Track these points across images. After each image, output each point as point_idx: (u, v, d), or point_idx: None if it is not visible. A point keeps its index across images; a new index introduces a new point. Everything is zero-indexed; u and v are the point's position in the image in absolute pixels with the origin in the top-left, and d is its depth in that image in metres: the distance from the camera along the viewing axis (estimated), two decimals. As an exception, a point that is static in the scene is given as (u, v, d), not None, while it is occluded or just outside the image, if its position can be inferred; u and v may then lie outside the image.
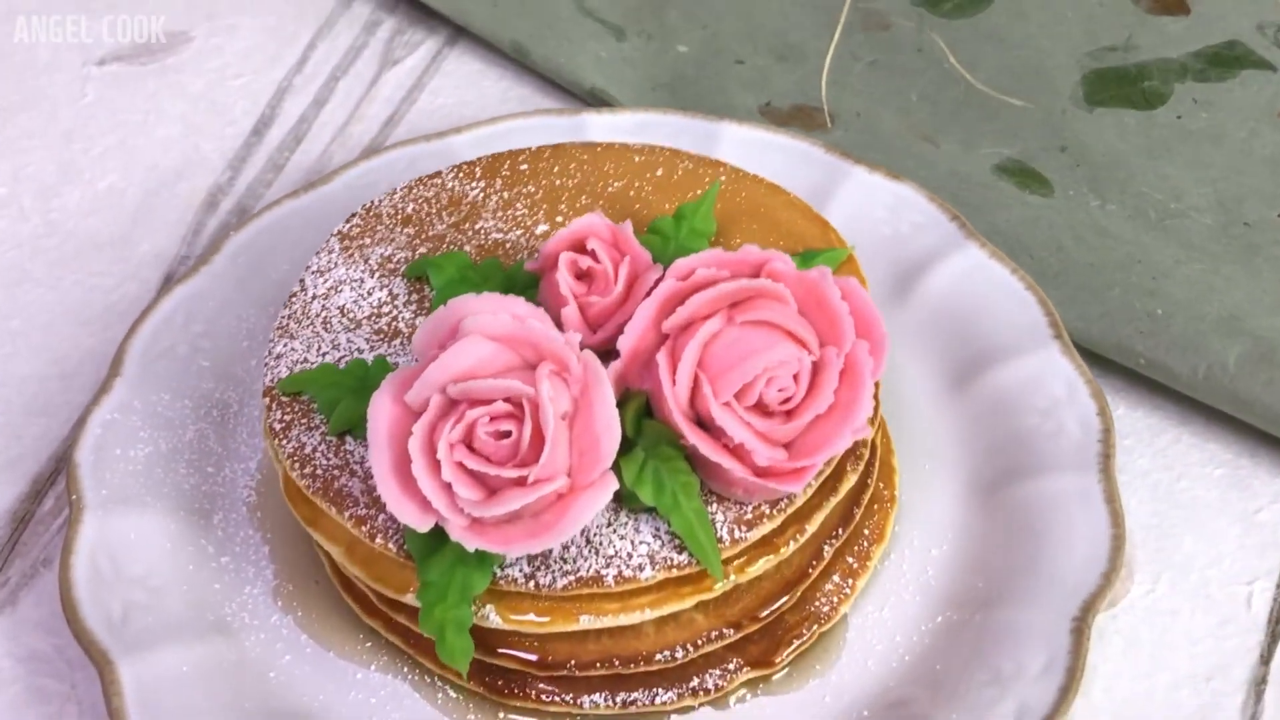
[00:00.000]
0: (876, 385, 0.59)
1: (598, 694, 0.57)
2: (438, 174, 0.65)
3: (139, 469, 0.63)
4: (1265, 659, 0.60)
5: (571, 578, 0.52)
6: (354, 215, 0.64)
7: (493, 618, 0.54)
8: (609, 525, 0.53)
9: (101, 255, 0.76)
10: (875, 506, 0.61)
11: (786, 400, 0.52)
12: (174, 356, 0.67)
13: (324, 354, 0.58)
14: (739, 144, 0.75)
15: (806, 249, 0.61)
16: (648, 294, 0.54)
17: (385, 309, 0.59)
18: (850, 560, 0.60)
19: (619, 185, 0.64)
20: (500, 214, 0.63)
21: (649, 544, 0.53)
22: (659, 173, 0.64)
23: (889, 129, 0.79)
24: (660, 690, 0.57)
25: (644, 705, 0.57)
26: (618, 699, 0.57)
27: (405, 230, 0.63)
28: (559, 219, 0.62)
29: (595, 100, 0.82)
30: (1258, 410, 0.65)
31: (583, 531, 0.53)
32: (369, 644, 0.60)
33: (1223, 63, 0.82)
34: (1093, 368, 0.67)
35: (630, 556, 0.53)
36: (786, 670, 0.59)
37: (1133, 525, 0.64)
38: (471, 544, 0.50)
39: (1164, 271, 0.70)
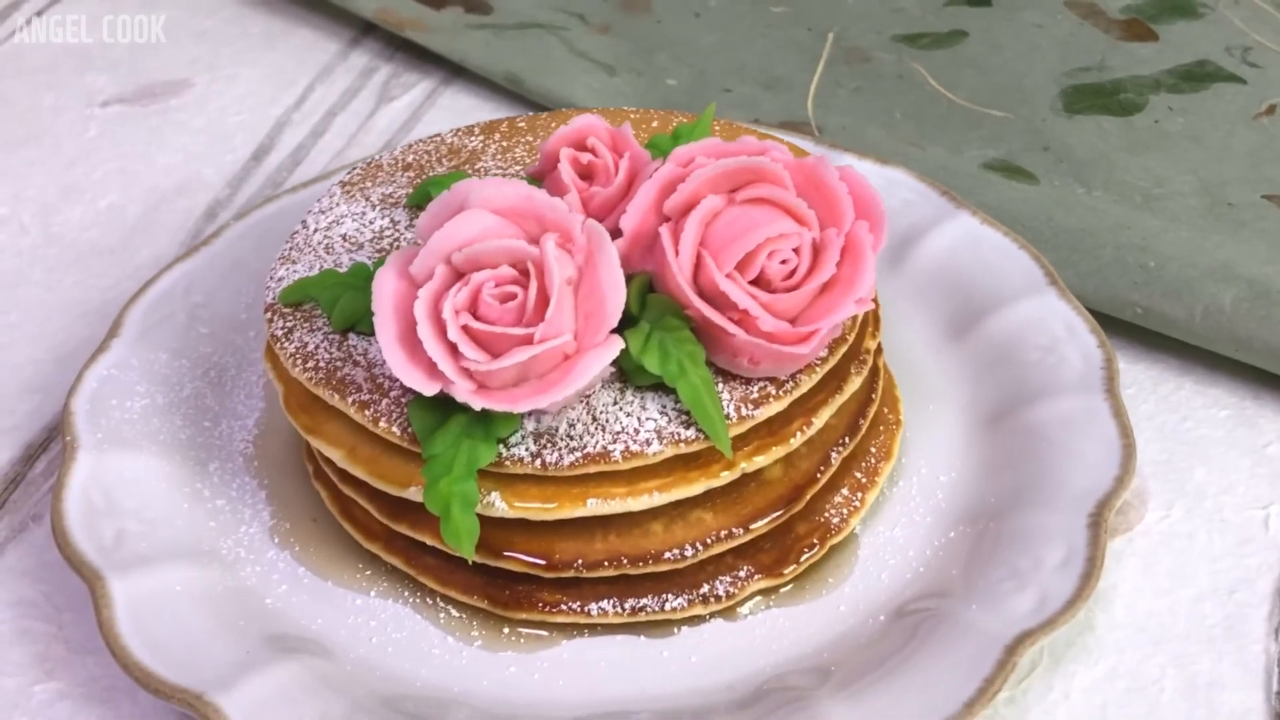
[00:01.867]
0: (877, 310, 0.61)
1: (605, 600, 0.56)
2: (437, 135, 0.68)
3: (135, 418, 0.64)
4: None
5: (578, 454, 0.53)
6: (355, 166, 0.66)
7: (499, 504, 0.54)
8: (615, 403, 0.54)
9: (101, 261, 0.78)
10: (881, 428, 0.62)
11: (789, 275, 0.53)
12: (173, 322, 0.68)
13: (332, 269, 0.59)
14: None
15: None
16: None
17: (387, 233, 0.61)
18: (859, 475, 0.60)
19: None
20: (499, 158, 0.65)
21: (656, 420, 0.53)
22: (654, 124, 0.67)
23: (875, 138, 0.83)
24: (670, 596, 0.56)
25: (653, 611, 0.56)
26: (626, 605, 0.56)
27: (405, 174, 0.65)
28: (557, 157, 0.64)
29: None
30: (1257, 347, 0.66)
31: (589, 409, 0.53)
32: (368, 572, 0.59)
33: (1195, 78, 0.86)
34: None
35: (637, 432, 0.53)
36: (799, 584, 0.58)
37: (1143, 460, 0.64)
38: (479, 404, 0.51)
39: (1154, 234, 0.72)
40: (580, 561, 0.56)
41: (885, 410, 0.62)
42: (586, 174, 0.57)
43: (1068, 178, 0.78)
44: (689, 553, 0.56)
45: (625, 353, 0.53)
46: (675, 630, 0.57)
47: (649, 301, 0.54)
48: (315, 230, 0.62)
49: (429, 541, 0.56)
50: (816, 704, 0.52)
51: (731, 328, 0.52)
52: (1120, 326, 0.70)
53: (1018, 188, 0.77)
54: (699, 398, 0.53)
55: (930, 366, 0.67)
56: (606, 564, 0.55)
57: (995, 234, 0.70)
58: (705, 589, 0.57)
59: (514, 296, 0.51)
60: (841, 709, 0.52)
